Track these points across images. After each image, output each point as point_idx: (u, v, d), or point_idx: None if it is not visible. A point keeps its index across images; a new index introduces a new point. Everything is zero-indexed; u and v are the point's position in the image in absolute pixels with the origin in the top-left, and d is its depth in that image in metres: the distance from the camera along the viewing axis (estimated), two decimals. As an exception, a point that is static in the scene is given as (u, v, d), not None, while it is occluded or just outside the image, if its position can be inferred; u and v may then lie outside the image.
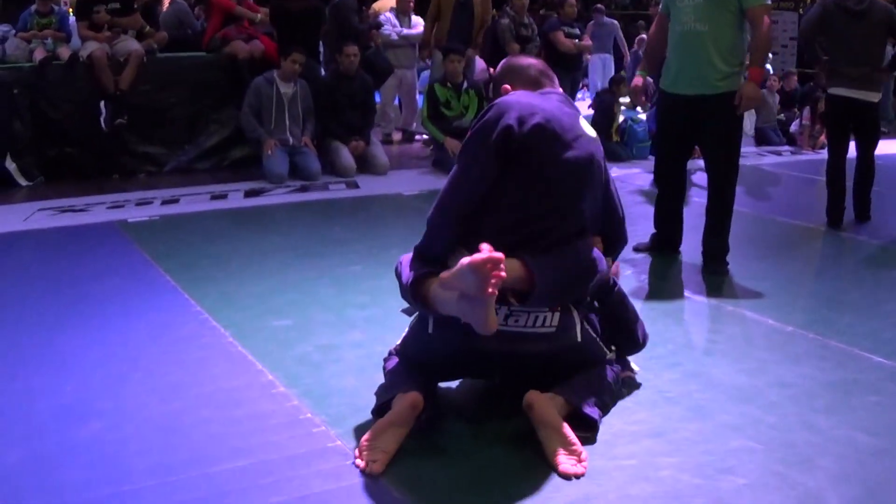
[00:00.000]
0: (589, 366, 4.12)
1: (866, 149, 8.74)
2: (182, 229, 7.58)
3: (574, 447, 3.65)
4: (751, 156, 12.91)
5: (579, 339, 4.00)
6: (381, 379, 4.19)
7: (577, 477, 3.55)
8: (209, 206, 8.63)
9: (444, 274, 3.56)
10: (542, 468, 3.60)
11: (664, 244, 7.05)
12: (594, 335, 4.16)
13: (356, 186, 9.74)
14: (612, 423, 4.03)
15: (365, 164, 10.44)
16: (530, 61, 4.49)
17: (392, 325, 4.95)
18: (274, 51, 10.76)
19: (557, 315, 3.90)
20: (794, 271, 6.83)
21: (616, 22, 17.74)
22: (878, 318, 5.71)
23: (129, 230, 7.45)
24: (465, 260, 3.38)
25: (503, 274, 3.38)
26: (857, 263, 7.41)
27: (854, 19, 8.21)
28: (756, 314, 5.48)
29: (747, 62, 6.42)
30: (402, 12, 13.01)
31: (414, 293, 3.93)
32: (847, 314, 5.79)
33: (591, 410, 3.91)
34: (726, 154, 6.55)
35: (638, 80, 6.99)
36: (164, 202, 8.71)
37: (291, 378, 4.39)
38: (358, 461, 3.58)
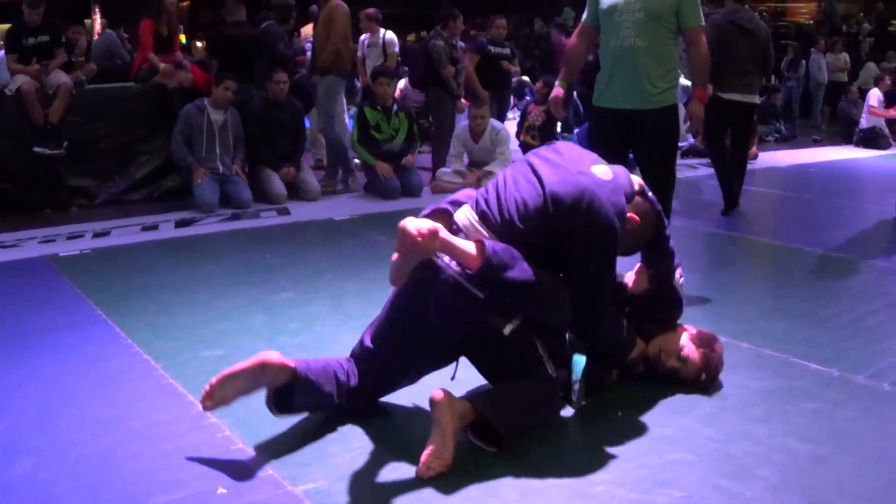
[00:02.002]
0: (524, 375, 4.17)
1: (742, 147, 10.41)
2: (113, 262, 7.56)
3: (444, 456, 3.78)
4: (681, 168, 13.08)
5: (505, 333, 4.02)
6: None
7: (425, 477, 3.73)
8: (140, 237, 8.61)
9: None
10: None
11: None
12: (540, 353, 4.19)
13: (287, 213, 9.75)
14: (546, 440, 4.09)
15: (296, 191, 10.46)
16: None
17: (324, 351, 4.99)
18: (203, 80, 10.77)
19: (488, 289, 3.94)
20: (728, 281, 6.93)
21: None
22: (813, 326, 5.84)
23: (61, 264, 7.42)
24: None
25: (416, 241, 3.70)
26: (792, 272, 7.55)
27: (743, 35, 9.82)
28: (690, 326, 5.49)
29: (681, 79, 6.55)
30: (325, 37, 13.05)
31: None
32: (782, 322, 5.90)
33: (502, 425, 3.95)
34: (664, 166, 6.56)
35: (559, 91, 6.77)
36: (96, 235, 8.68)
37: (223, 409, 4.39)
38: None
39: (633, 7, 6.27)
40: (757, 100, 10.43)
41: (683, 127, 7.32)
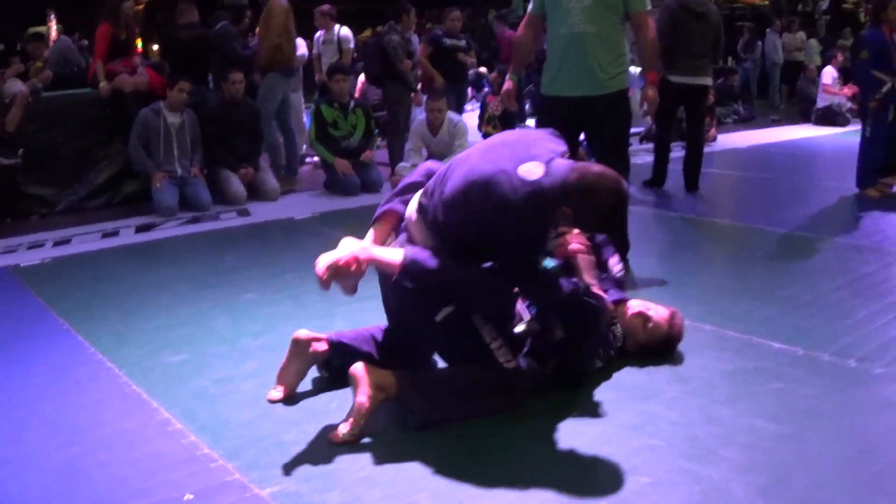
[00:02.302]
0: (475, 362, 4.24)
1: (696, 129, 10.64)
2: (75, 270, 7.51)
3: (356, 427, 4.02)
4: (640, 152, 13.15)
5: (437, 320, 4.15)
6: (277, 407, 4.48)
7: (335, 442, 3.98)
8: (101, 244, 8.55)
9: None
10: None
11: None
12: (485, 340, 4.22)
13: (248, 214, 9.73)
14: (511, 430, 4.11)
15: (255, 191, 10.44)
16: None
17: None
18: (159, 83, 10.71)
19: None
20: (689, 264, 6.96)
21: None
22: (775, 305, 5.88)
23: (22, 274, 7.37)
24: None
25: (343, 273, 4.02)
26: (754, 252, 7.58)
27: (695, 19, 10.04)
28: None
29: (631, 64, 6.58)
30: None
31: None
32: (743, 303, 5.94)
33: (426, 415, 4.15)
34: (618, 150, 6.57)
35: (509, 85, 6.82)
36: (56, 244, 8.62)
37: (187, 414, 4.40)
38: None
39: None
40: (709, 81, 10.62)
41: (639, 111, 7.36)
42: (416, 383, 4.16)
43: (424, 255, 4.07)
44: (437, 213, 4.11)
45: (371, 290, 4.41)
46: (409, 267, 4.06)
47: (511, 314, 4.46)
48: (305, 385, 4.68)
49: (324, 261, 3.96)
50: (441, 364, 4.61)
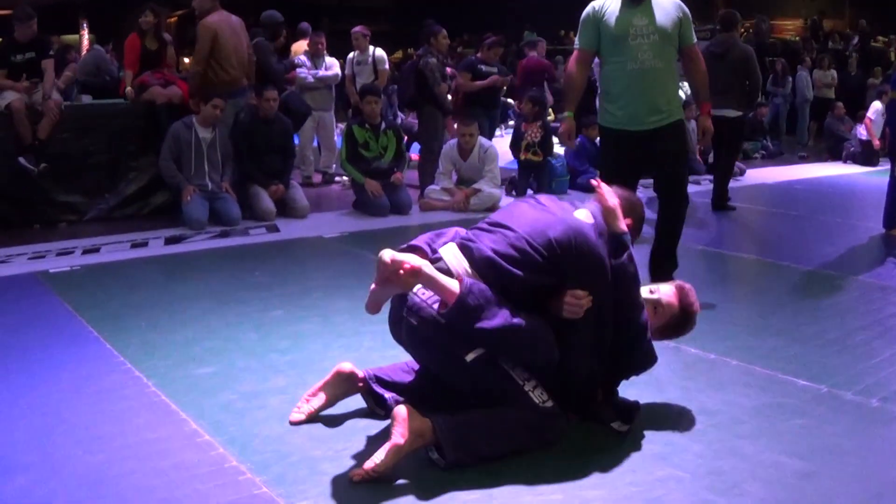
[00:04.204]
0: (506, 403, 4.15)
1: (728, 154, 11.57)
2: (104, 278, 7.55)
3: (376, 465, 3.87)
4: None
5: (468, 360, 4.10)
6: (305, 423, 4.48)
7: (356, 479, 3.87)
8: (130, 254, 8.61)
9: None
10: None
11: None
12: (518, 381, 4.16)
13: (276, 230, 9.76)
14: (535, 457, 4.09)
15: (285, 208, 10.48)
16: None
17: (314, 368, 5.10)
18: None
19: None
20: (716, 298, 6.88)
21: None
22: (801, 342, 5.87)
23: (51, 281, 7.42)
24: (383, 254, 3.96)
25: (396, 275, 3.93)
26: (780, 289, 7.54)
27: (715, 59, 10.41)
28: (677, 343, 5.39)
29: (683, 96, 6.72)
30: (314, 55, 13.10)
31: None
32: (770, 339, 5.93)
33: (451, 448, 3.99)
34: (682, 177, 6.77)
35: (570, 124, 6.91)
36: (85, 251, 8.68)
37: (215, 426, 4.43)
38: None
39: (647, 30, 6.49)
40: (732, 113, 11.13)
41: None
42: (453, 431, 4.02)
43: (484, 287, 4.08)
44: (493, 256, 4.19)
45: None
46: (467, 295, 4.00)
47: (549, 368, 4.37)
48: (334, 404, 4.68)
49: (391, 254, 3.94)
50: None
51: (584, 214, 4.40)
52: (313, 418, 4.52)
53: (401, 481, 3.87)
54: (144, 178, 10.64)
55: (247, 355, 5.55)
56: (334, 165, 13.30)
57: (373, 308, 4.14)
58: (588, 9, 6.78)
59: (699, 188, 12.70)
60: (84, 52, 13.38)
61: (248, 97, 10.79)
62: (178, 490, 3.81)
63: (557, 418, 4.24)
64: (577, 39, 6.91)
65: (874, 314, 6.57)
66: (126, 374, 5.23)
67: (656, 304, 4.67)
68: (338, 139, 12.78)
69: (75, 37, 27.43)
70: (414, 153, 13.64)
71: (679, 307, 4.71)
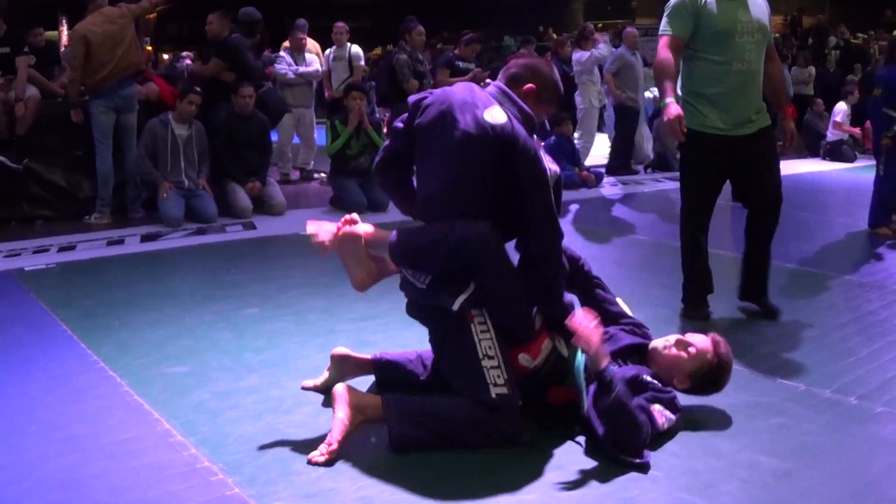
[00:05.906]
0: (465, 394, 4.19)
1: None
2: (79, 277, 7.54)
3: (330, 444, 4.01)
4: (647, 181, 13.18)
5: (454, 309, 4.18)
6: (278, 423, 4.44)
7: (314, 463, 3.97)
8: (106, 251, 8.58)
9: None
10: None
11: (704, 292, 6.59)
12: (476, 350, 4.17)
13: (253, 227, 9.76)
14: (511, 459, 4.08)
15: (262, 205, 10.47)
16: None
17: (289, 367, 5.10)
18: (168, 93, 10.73)
19: (430, 278, 4.26)
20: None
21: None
22: (780, 340, 5.88)
23: (26, 279, 7.39)
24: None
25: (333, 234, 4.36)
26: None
27: None
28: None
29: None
30: (295, 50, 13.09)
31: None
32: (746, 337, 5.92)
33: (399, 431, 4.09)
34: (780, 182, 6.27)
35: (679, 110, 5.84)
36: (61, 249, 8.65)
37: (188, 426, 4.40)
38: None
39: (752, 28, 6.03)
40: None
41: (647, 146, 7.31)
42: (399, 405, 4.15)
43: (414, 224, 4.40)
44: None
45: (373, 310, 4.42)
46: (400, 232, 4.32)
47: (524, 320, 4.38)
48: (306, 403, 4.68)
49: (313, 227, 4.36)
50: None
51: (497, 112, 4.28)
52: (289, 412, 4.56)
53: (378, 488, 3.84)
54: (121, 176, 10.50)
55: (221, 354, 5.53)
56: (312, 162, 13.27)
57: (358, 283, 4.48)
58: None
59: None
60: (63, 48, 13.30)
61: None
62: (151, 491, 3.78)
63: (507, 410, 4.16)
64: (665, 25, 6.14)
65: (852, 312, 6.57)
66: (99, 374, 5.20)
67: (687, 344, 4.52)
68: (317, 136, 12.74)
69: (55, 33, 27.38)
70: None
71: (714, 355, 4.50)
